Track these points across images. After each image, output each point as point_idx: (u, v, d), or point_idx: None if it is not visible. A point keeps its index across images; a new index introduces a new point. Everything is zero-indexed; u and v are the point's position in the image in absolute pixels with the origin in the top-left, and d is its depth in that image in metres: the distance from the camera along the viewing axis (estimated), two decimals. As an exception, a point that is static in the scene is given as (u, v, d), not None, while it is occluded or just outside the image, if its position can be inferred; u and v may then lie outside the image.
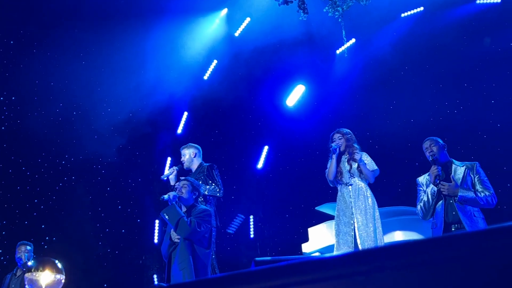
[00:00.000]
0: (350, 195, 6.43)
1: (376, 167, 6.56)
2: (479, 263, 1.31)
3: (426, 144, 5.82)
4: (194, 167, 7.35)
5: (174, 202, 5.94)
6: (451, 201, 5.44)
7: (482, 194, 5.39)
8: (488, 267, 1.28)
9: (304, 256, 7.72)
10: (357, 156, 6.46)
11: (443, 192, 5.47)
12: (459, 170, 5.61)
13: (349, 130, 6.79)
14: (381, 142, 11.56)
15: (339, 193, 6.61)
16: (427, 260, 1.39)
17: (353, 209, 6.34)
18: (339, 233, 6.42)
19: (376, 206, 6.45)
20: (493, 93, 10.63)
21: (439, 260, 1.34)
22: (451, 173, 5.60)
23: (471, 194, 5.36)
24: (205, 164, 7.30)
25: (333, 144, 6.58)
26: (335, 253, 6.40)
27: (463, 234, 1.33)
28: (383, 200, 9.82)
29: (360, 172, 6.51)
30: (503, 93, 10.39)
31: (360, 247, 6.13)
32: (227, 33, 12.53)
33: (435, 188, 5.54)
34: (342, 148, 6.61)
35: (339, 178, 6.56)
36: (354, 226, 6.28)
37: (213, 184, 6.98)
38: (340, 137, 6.65)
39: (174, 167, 7.29)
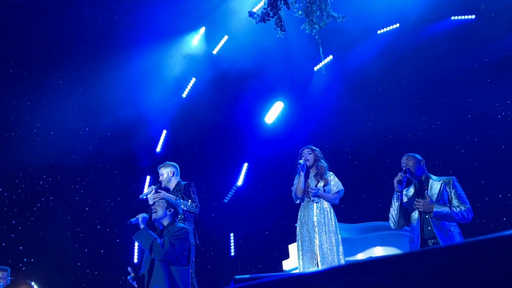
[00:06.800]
0: (314, 213, 6.44)
1: (341, 187, 6.62)
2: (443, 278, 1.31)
3: (404, 159, 5.91)
4: (172, 185, 7.28)
5: (144, 225, 5.79)
6: (427, 217, 5.50)
7: (458, 209, 5.43)
8: (463, 280, 1.29)
9: (280, 274, 7.69)
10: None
11: (418, 209, 5.54)
12: (435, 185, 5.67)
13: (317, 148, 6.87)
14: (360, 157, 11.63)
15: (302, 207, 6.63)
16: (401, 275, 1.39)
17: (317, 228, 6.35)
18: (303, 249, 6.41)
19: (338, 227, 6.49)
20: (469, 107, 10.74)
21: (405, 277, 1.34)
22: (427, 188, 5.66)
23: (446, 209, 5.41)
24: (182, 182, 7.25)
25: (300, 161, 6.63)
26: (300, 269, 6.37)
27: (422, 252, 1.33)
28: (363, 216, 9.88)
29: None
30: (479, 107, 10.50)
31: (320, 265, 6.12)
32: (206, 51, 12.54)
33: (404, 200, 5.68)
34: (310, 163, 6.68)
35: (305, 193, 6.59)
36: (315, 244, 6.28)
37: (189, 201, 6.93)
38: (310, 152, 6.74)
39: (153, 186, 7.18)
